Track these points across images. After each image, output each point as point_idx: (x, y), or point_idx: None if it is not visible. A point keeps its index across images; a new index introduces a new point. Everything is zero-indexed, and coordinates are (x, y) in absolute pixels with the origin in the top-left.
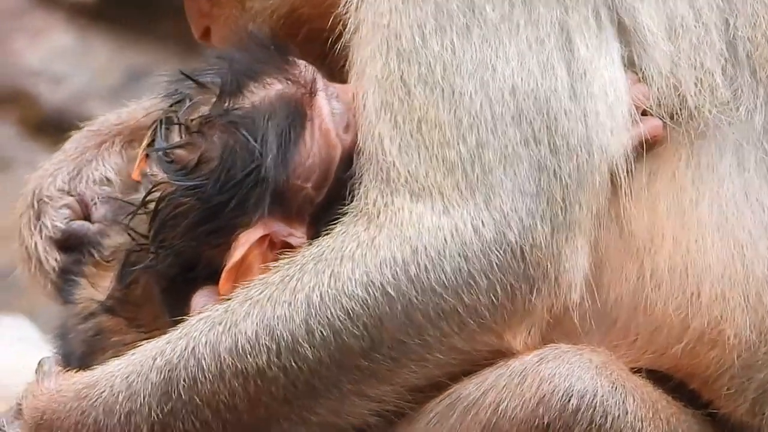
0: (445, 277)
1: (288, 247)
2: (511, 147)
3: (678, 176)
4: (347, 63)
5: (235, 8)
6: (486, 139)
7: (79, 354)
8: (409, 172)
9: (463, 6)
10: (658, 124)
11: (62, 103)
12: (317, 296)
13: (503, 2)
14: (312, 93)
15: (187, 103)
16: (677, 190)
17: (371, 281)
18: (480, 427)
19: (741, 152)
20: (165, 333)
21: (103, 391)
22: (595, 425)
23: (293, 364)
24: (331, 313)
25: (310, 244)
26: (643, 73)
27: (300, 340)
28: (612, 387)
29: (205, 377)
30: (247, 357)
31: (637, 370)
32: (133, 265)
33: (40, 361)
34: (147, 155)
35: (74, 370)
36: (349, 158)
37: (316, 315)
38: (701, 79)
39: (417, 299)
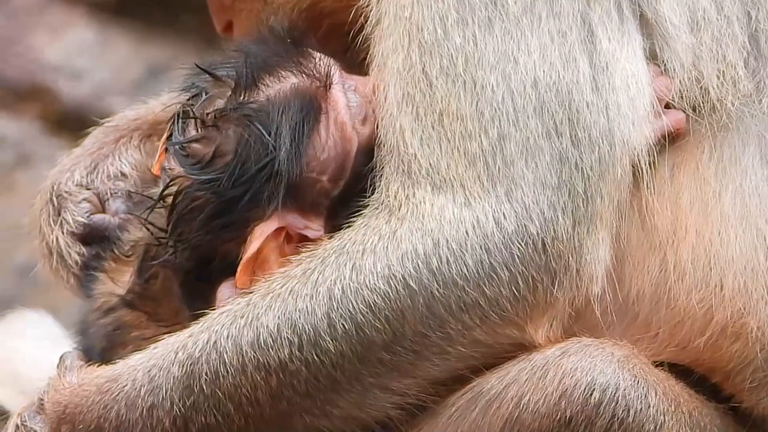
0: (467, 269)
1: (305, 240)
2: (533, 139)
3: (701, 169)
4: (368, 56)
5: (257, 1)
6: (508, 132)
7: (100, 349)
8: (430, 164)
9: None
10: (681, 117)
11: (83, 99)
12: (339, 289)
13: None
14: (327, 86)
15: (203, 97)
16: (700, 183)
17: (393, 274)
18: (502, 421)
19: (764, 144)
20: (185, 327)
21: (125, 385)
22: (617, 419)
23: (315, 357)
24: (353, 306)
25: (329, 236)
26: (665, 65)
27: (322, 333)
28: (634, 380)
29: (227, 371)
30: (269, 350)
31: (659, 364)
32: (152, 260)
33: (61, 356)
34: (166, 149)
35: (95, 365)
36: (367, 151)
37: (338, 308)
38: (723, 71)
39: (439, 292)
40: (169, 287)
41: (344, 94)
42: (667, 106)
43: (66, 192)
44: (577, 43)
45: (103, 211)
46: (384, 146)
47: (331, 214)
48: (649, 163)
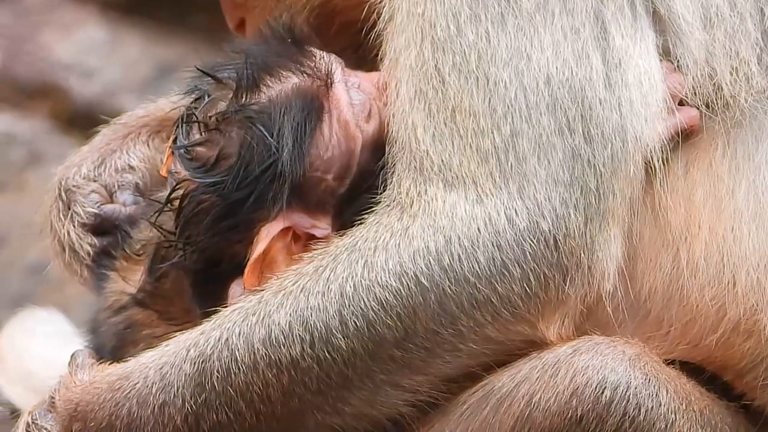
0: (479, 266)
1: (313, 239)
2: (545, 136)
3: (714, 165)
4: (380, 52)
5: None
6: (520, 128)
7: (111, 347)
8: (442, 161)
9: None
10: (694, 114)
11: (93, 97)
12: (350, 287)
13: None
14: (329, 85)
15: (206, 100)
16: (713, 180)
17: (405, 271)
18: (513, 419)
19: None
20: (196, 325)
21: (137, 383)
22: (629, 417)
23: (327, 354)
24: (365, 303)
25: (339, 234)
26: (678, 62)
27: (333, 330)
28: (645, 379)
29: (239, 368)
30: (280, 348)
31: (670, 362)
32: (162, 261)
33: (73, 354)
34: (172, 152)
35: (107, 363)
36: (373, 147)
37: (349, 305)
38: (737, 68)
39: (450, 289)
40: (180, 286)
41: (347, 92)
42: (681, 103)
43: (74, 186)
44: (590, 39)
45: (112, 202)
46: (396, 143)
47: (338, 212)
48: (662, 160)
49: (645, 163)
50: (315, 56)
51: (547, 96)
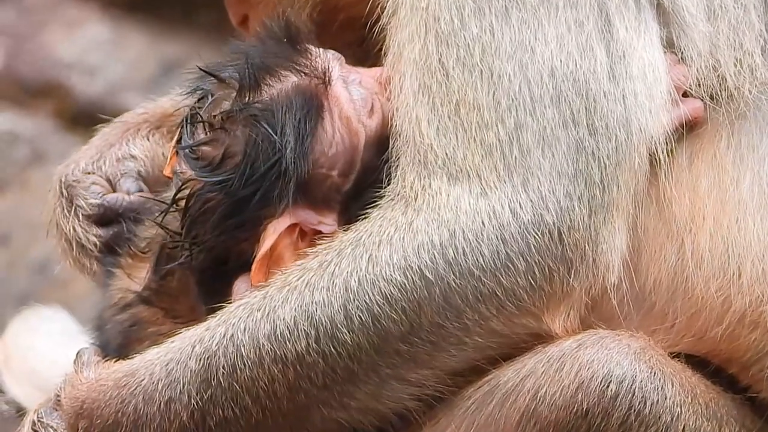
0: (483, 260)
1: (320, 235)
2: (549, 128)
3: (719, 156)
4: (383, 47)
5: None
6: (524, 121)
7: (116, 345)
8: (446, 154)
9: None
10: (699, 105)
11: (97, 96)
12: (355, 281)
13: None
14: (327, 82)
15: (209, 100)
16: (718, 171)
17: (409, 265)
18: (519, 413)
19: None
20: (201, 323)
21: (143, 379)
22: (634, 411)
23: (332, 349)
24: (370, 297)
25: (345, 229)
26: (682, 54)
27: (339, 325)
28: (651, 372)
29: (245, 364)
30: (286, 343)
31: (675, 355)
32: (168, 260)
33: (78, 352)
34: (177, 152)
35: (112, 361)
36: (377, 142)
37: (354, 300)
38: (740, 59)
39: (455, 282)
40: (185, 284)
41: (346, 89)
42: (685, 95)
43: (74, 180)
44: (594, 32)
45: (115, 192)
46: (400, 136)
47: (344, 208)
48: (667, 152)
49: (649, 154)
50: (312, 54)
51: (552, 89)
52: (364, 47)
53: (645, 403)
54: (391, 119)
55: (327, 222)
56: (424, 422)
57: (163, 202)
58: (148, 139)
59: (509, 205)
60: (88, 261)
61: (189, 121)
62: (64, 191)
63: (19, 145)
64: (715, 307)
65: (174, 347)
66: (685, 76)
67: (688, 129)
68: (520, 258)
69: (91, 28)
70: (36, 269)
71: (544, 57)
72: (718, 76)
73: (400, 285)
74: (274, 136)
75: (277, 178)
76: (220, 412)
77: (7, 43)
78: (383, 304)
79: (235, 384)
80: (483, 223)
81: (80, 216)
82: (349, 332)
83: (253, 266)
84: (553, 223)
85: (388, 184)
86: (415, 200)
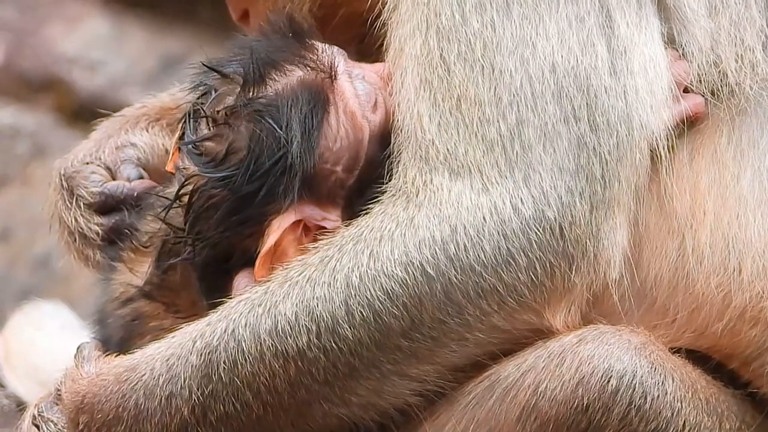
0: (485, 255)
1: (324, 231)
2: (551, 124)
3: (719, 152)
4: (385, 42)
5: None
6: (526, 117)
7: (117, 339)
8: (448, 150)
9: None
10: (700, 101)
11: (98, 91)
12: (356, 277)
13: None
14: (333, 77)
15: (213, 95)
16: (719, 166)
17: (410, 261)
18: (519, 408)
19: None
20: (203, 318)
21: (144, 375)
22: (635, 406)
23: (333, 345)
24: (371, 293)
25: (348, 225)
26: (683, 49)
27: (340, 320)
28: (651, 367)
29: (246, 359)
30: (287, 338)
31: (676, 351)
32: (170, 255)
33: (79, 346)
34: (179, 148)
35: (113, 355)
36: (380, 138)
37: (355, 295)
38: (742, 55)
39: (456, 278)
40: (187, 279)
41: (351, 84)
42: (686, 90)
43: (74, 171)
44: (595, 27)
45: (115, 179)
46: (401, 132)
47: (348, 204)
48: (668, 147)
49: (650, 150)
50: (317, 49)
51: (553, 84)
52: (365, 43)
53: (645, 399)
54: (393, 114)
55: (331, 218)
56: (424, 417)
57: (165, 198)
58: (147, 131)
59: (510, 201)
60: (91, 251)
61: (192, 116)
62: (64, 183)
63: (20, 139)
64: (716, 303)
65: (175, 342)
66: (686, 72)
67: (689, 125)
68: (522, 253)
69: (92, 24)
70: (37, 264)
71: (546, 52)
72: (719, 71)
73: (402, 280)
74: (279, 131)
75: (283, 174)
76: (221, 407)
77: (9, 39)
78: (384, 299)
79: (236, 379)
80: (484, 218)
81: (82, 206)
82: (350, 328)
83: (257, 262)
84: (555, 219)
85: (390, 180)
86: (417, 196)
